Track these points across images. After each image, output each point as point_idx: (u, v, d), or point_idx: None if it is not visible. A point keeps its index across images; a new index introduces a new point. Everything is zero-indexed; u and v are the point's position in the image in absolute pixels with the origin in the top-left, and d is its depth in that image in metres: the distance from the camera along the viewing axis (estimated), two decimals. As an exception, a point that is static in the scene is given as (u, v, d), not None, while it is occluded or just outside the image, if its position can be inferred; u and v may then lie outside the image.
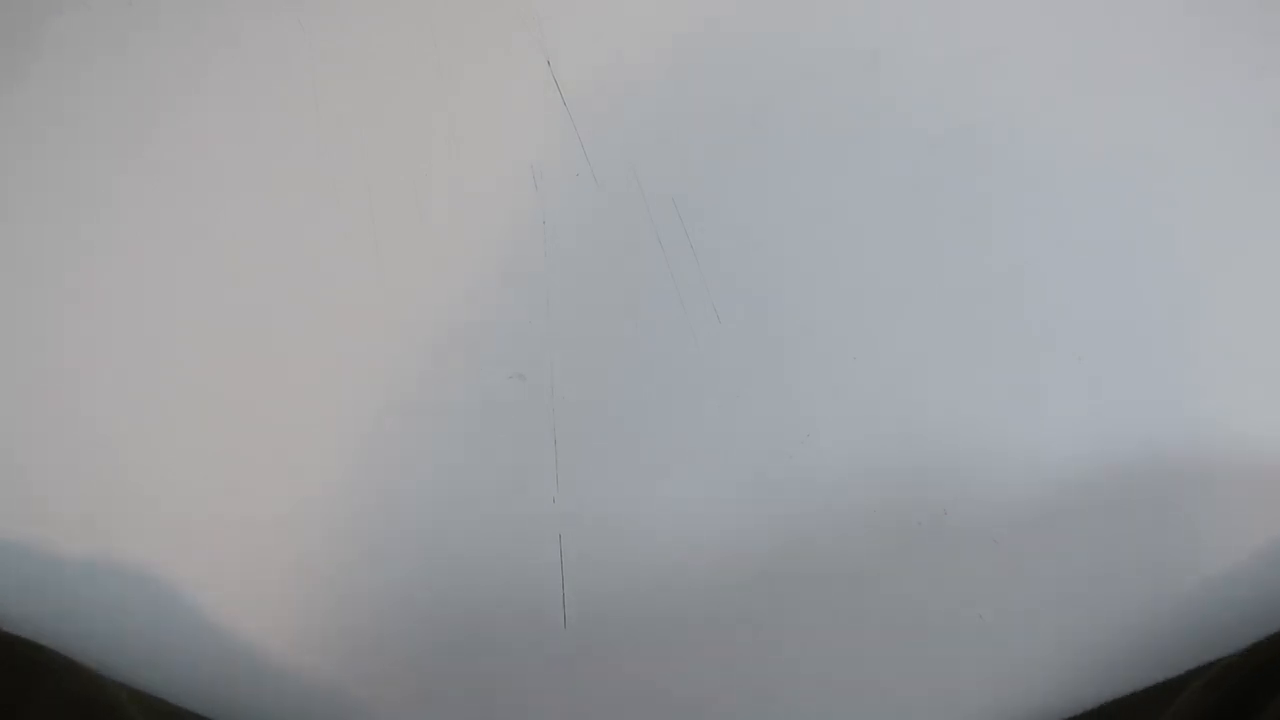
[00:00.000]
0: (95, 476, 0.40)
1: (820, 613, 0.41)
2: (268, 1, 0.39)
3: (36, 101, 0.39)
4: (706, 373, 0.40)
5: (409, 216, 0.40)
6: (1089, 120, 0.39)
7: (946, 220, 0.40)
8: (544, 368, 0.40)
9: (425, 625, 0.40)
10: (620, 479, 0.40)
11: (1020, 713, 0.41)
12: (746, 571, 0.41)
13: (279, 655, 0.40)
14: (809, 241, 0.40)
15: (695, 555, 0.40)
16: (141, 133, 0.39)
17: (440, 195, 0.40)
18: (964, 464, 0.40)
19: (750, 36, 0.39)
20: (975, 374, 0.40)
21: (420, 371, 0.40)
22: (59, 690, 0.36)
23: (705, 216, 0.40)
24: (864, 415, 0.40)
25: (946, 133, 0.39)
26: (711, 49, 0.39)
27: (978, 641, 0.41)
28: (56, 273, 0.39)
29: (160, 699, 0.40)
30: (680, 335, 0.40)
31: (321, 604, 0.40)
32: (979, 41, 0.39)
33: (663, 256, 0.40)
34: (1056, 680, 0.41)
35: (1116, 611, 0.41)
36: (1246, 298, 0.40)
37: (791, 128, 0.40)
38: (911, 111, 0.39)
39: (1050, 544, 0.40)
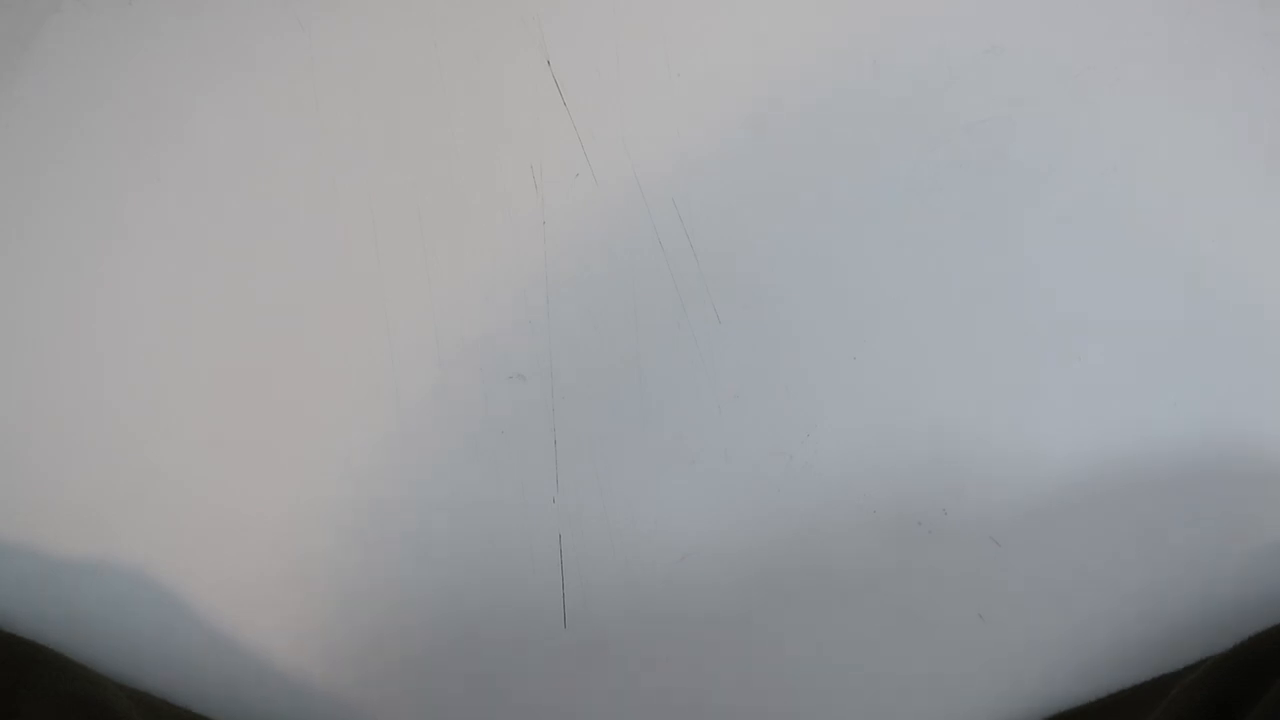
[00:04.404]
0: (95, 477, 0.40)
1: (820, 612, 0.41)
2: (267, 0, 0.39)
3: (36, 100, 0.39)
4: (706, 373, 0.40)
5: (409, 216, 0.39)
6: (1089, 120, 0.39)
7: (946, 220, 0.40)
8: (544, 368, 0.40)
9: (425, 625, 0.41)
10: (620, 479, 0.40)
11: (1019, 712, 0.41)
12: (747, 571, 0.41)
13: (278, 655, 0.40)
14: (809, 241, 0.40)
15: (695, 555, 0.41)
16: (141, 132, 0.39)
17: (440, 195, 0.39)
18: (964, 464, 0.40)
19: (750, 36, 0.39)
20: (975, 374, 0.40)
21: (420, 372, 0.40)
22: (57, 690, 0.36)
23: (705, 217, 0.40)
24: (864, 415, 0.40)
25: (946, 133, 0.39)
26: (711, 49, 0.39)
27: (978, 641, 0.41)
28: (56, 273, 0.39)
29: (160, 699, 0.40)
30: (680, 336, 0.40)
31: (321, 604, 0.40)
32: (979, 41, 0.39)
33: (663, 256, 0.40)
34: (1056, 680, 0.41)
35: (1116, 611, 0.41)
36: (1247, 297, 0.40)
37: (792, 127, 0.40)
38: (911, 111, 0.39)
39: (1050, 544, 0.40)
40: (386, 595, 0.40)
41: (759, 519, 0.40)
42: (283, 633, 0.40)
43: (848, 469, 0.40)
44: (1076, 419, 0.40)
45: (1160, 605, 0.41)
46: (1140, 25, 0.39)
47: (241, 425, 0.40)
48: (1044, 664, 0.41)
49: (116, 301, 0.39)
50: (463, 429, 0.40)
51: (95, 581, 0.40)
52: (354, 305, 0.40)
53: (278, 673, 0.40)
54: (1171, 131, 0.39)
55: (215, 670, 0.40)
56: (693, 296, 0.40)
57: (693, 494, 0.40)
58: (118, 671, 0.40)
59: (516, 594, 0.40)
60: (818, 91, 0.39)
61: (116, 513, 0.40)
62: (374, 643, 0.40)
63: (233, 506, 0.40)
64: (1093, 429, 0.40)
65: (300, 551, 0.40)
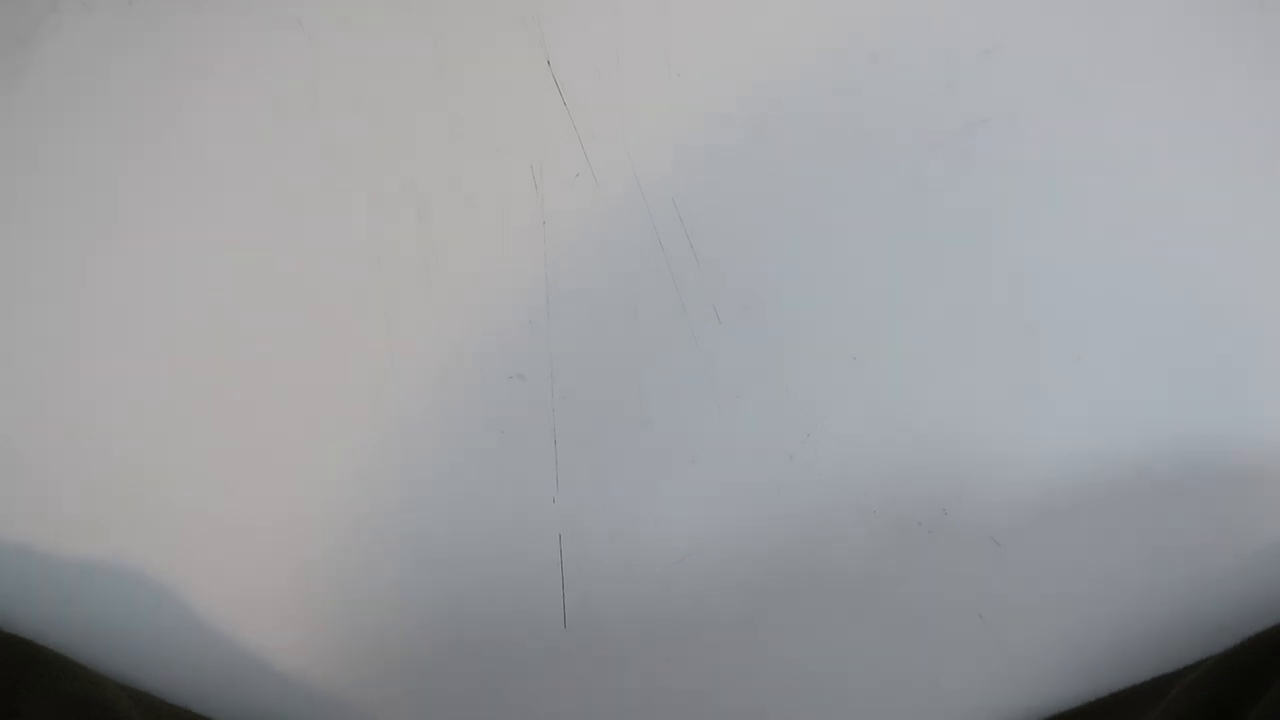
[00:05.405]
0: (96, 477, 0.39)
1: (820, 613, 0.41)
2: (267, 0, 0.39)
3: (36, 100, 0.39)
4: (706, 373, 0.40)
5: (408, 216, 0.39)
6: (1089, 120, 0.39)
7: (946, 220, 0.40)
8: (544, 368, 0.40)
9: (426, 626, 0.41)
10: (620, 479, 0.40)
11: (1019, 712, 0.41)
12: (746, 571, 0.41)
13: (279, 655, 0.40)
14: (809, 242, 0.40)
15: (695, 555, 0.41)
16: (141, 132, 0.39)
17: (440, 195, 0.39)
18: (964, 464, 0.40)
19: (750, 36, 0.39)
20: (975, 374, 0.40)
21: (420, 372, 0.40)
22: (57, 690, 0.36)
23: (705, 217, 0.40)
24: (864, 415, 0.40)
25: (946, 132, 0.39)
26: (711, 49, 0.39)
27: (978, 641, 0.41)
28: (56, 273, 0.39)
29: (160, 699, 0.40)
30: (680, 335, 0.40)
31: (322, 605, 0.40)
32: (979, 41, 0.39)
33: (663, 256, 0.40)
34: (1056, 680, 0.41)
35: (1116, 611, 0.41)
36: (1246, 298, 0.40)
37: (792, 127, 0.40)
38: (911, 111, 0.39)
39: (1050, 544, 0.40)
40: (386, 596, 0.40)
41: (759, 519, 0.40)
42: (283, 633, 0.40)
43: (848, 469, 0.40)
44: (1076, 419, 0.40)
45: (1160, 605, 0.41)
46: (1140, 25, 0.39)
47: (241, 425, 0.40)
48: (1044, 664, 0.41)
49: (116, 301, 0.39)
50: (463, 429, 0.40)
51: (95, 582, 0.40)
52: (353, 306, 0.40)
53: (278, 673, 0.40)
54: (1171, 132, 0.39)
55: (215, 670, 0.40)
56: (693, 296, 0.40)
57: (693, 494, 0.40)
58: (118, 671, 0.40)
59: (516, 594, 0.40)
60: (818, 91, 0.39)
61: (116, 513, 0.40)
62: (374, 643, 0.40)
63: (233, 507, 0.40)
64: (1093, 429, 0.40)
65: (300, 551, 0.40)
